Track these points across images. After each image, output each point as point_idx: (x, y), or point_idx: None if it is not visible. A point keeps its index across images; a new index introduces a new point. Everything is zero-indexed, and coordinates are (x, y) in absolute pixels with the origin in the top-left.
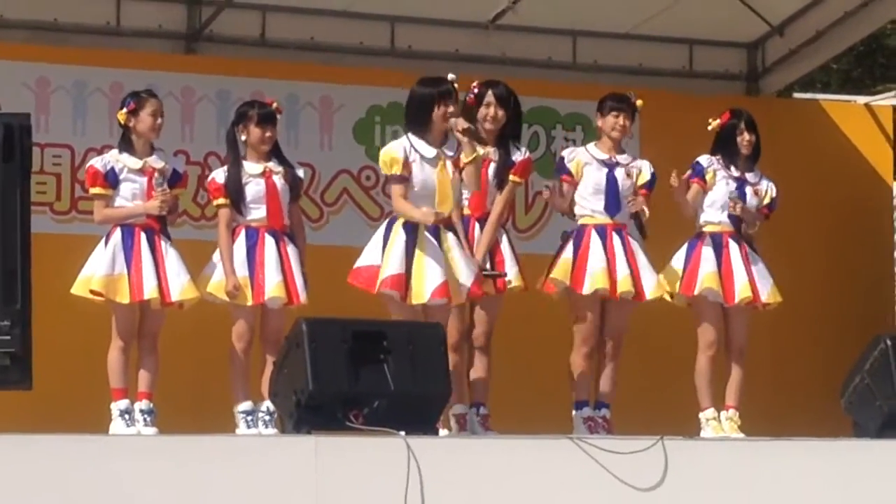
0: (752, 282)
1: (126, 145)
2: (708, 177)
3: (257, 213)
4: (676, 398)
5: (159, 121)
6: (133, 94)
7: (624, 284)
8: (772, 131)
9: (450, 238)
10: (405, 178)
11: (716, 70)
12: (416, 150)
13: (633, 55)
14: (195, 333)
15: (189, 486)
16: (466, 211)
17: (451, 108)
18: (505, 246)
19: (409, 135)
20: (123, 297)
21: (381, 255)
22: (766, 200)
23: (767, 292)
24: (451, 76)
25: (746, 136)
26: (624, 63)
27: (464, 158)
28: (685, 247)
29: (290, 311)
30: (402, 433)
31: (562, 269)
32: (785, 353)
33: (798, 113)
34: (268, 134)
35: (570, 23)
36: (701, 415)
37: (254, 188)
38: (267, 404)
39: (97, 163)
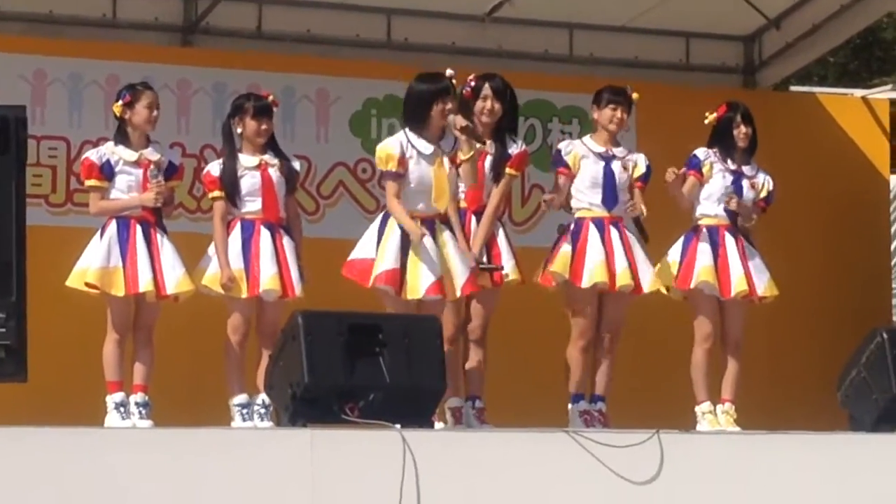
0: (748, 275)
1: (122, 137)
2: (704, 169)
3: (252, 205)
4: (672, 391)
5: (155, 113)
6: (129, 87)
7: (623, 278)
8: (768, 124)
9: (445, 233)
10: (400, 175)
11: (712, 63)
12: (413, 147)
13: (630, 48)
14: (191, 326)
15: (184, 479)
16: (463, 204)
17: (449, 105)
18: (501, 239)
19: (407, 130)
20: (119, 290)
21: (375, 248)
22: (763, 194)
23: (764, 286)
24: (449, 72)
25: (743, 128)
26: (620, 56)
27: (461, 156)
28: (681, 240)
29: (287, 303)
30: (398, 426)
31: (561, 263)
32: (781, 346)
33: (795, 106)
34: (263, 126)
35: (567, 15)
36: (697, 408)
37: (249, 181)
38: (262, 397)
39: (93, 155)
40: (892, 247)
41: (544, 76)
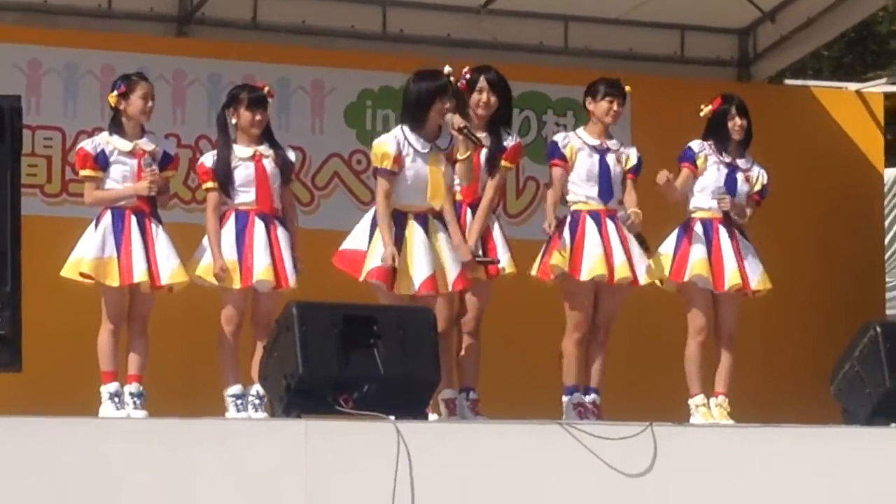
0: (741, 269)
1: (116, 128)
2: (699, 162)
3: (246, 196)
4: (666, 384)
5: (150, 104)
6: (124, 77)
7: (622, 270)
8: (763, 118)
9: (437, 227)
10: (393, 173)
11: (707, 56)
12: (409, 144)
13: (625, 40)
14: (185, 317)
15: (178, 469)
16: (458, 197)
17: (447, 105)
18: (497, 232)
19: (404, 127)
20: (113, 280)
21: (367, 240)
22: (758, 187)
23: (757, 279)
24: (447, 69)
25: (738, 120)
26: (615, 48)
27: (458, 155)
28: (675, 233)
29: (281, 294)
30: (392, 418)
31: (560, 256)
32: (775, 339)
33: (789, 99)
34: (258, 117)
35: (562, 8)
36: (690, 401)
37: (243, 172)
38: (257, 388)
39: (87, 145)
40: (886, 240)
41: (539, 68)
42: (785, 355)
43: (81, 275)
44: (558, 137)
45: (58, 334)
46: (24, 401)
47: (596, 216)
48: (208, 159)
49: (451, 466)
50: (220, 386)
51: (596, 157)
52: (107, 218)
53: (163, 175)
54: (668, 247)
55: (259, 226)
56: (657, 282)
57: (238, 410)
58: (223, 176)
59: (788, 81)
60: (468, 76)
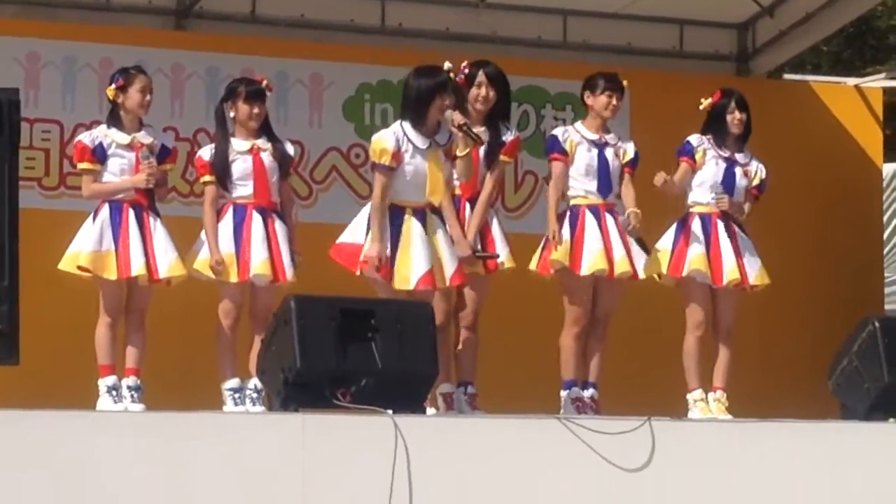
0: (740, 264)
1: (114, 121)
2: (697, 156)
3: (244, 189)
4: (664, 379)
5: (148, 97)
6: (122, 71)
7: (622, 265)
8: (762, 112)
9: (435, 222)
10: (391, 169)
11: (706, 50)
12: (409, 140)
13: (624, 35)
14: (183, 310)
15: (176, 462)
16: (457, 192)
17: (447, 101)
18: (495, 227)
19: (403, 123)
20: (111, 274)
21: (365, 234)
22: (756, 181)
23: (755, 274)
24: (447, 65)
25: (737, 114)
26: (614, 42)
27: (457, 152)
28: (673, 227)
29: (279, 288)
30: (390, 412)
31: (561, 250)
32: (773, 334)
33: (788, 94)
34: (256, 110)
35: (561, 2)
36: (688, 396)
37: (241, 165)
38: (254, 381)
39: (85, 138)
40: (885, 235)
41: (538, 62)
42: (783, 350)
43: (79, 268)
44: (558, 131)
45: (55, 328)
46: (22, 394)
47: (595, 210)
48: (206, 153)
49: (449, 460)
50: (217, 379)
51: (595, 151)
52: (105, 211)
53: (161, 168)
54: (666, 242)
55: (257, 219)
56: (656, 276)
57: (236, 404)
58: (221, 169)
59: (787, 76)
60: (467, 71)
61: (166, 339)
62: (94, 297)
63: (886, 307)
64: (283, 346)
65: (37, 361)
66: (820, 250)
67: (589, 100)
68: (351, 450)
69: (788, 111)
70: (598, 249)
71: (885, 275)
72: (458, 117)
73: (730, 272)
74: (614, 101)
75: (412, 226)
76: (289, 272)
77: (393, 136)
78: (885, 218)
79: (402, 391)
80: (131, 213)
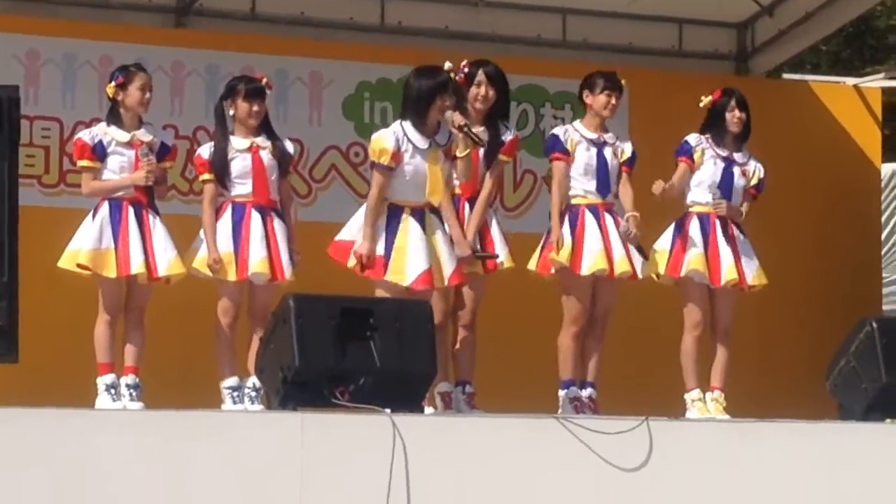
0: (738, 264)
1: (114, 119)
2: (696, 156)
3: (243, 188)
4: (662, 379)
5: (147, 95)
6: (122, 68)
7: (622, 265)
8: (761, 112)
9: (434, 222)
10: (390, 169)
11: (705, 50)
12: (408, 140)
13: (623, 34)
14: (182, 308)
15: (174, 461)
16: (457, 192)
17: (447, 102)
18: (494, 227)
19: (403, 123)
20: (110, 272)
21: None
22: (754, 181)
23: (753, 274)
24: (447, 65)
25: (737, 113)
26: (614, 42)
27: (457, 153)
28: (672, 227)
29: (278, 287)
30: (388, 410)
31: (562, 251)
32: (771, 334)
33: (787, 94)
34: (255, 108)
35: (561, 1)
36: (686, 395)
37: (240, 163)
38: (253, 380)
39: (85, 135)
40: (883, 235)
41: (537, 61)
42: (781, 350)
43: (79, 266)
44: (559, 131)
45: (55, 325)
46: (21, 392)
47: (594, 210)
48: (205, 151)
49: (447, 460)
50: (216, 378)
51: (594, 150)
52: (104, 209)
53: (160, 165)
54: (664, 242)
55: (255, 218)
56: (654, 276)
57: (234, 403)
58: (220, 167)
59: (786, 76)
60: (466, 70)
61: (165, 338)
62: (93, 295)
63: (884, 307)
64: (282, 345)
65: (36, 359)
66: (818, 250)
67: (588, 99)
68: (349, 449)
69: (787, 111)
70: (599, 249)
71: (884, 275)
72: (458, 118)
73: (728, 272)
74: (613, 101)
75: (409, 225)
76: (287, 271)
77: (393, 136)
78: (884, 218)
79: (401, 390)
80: (131, 210)
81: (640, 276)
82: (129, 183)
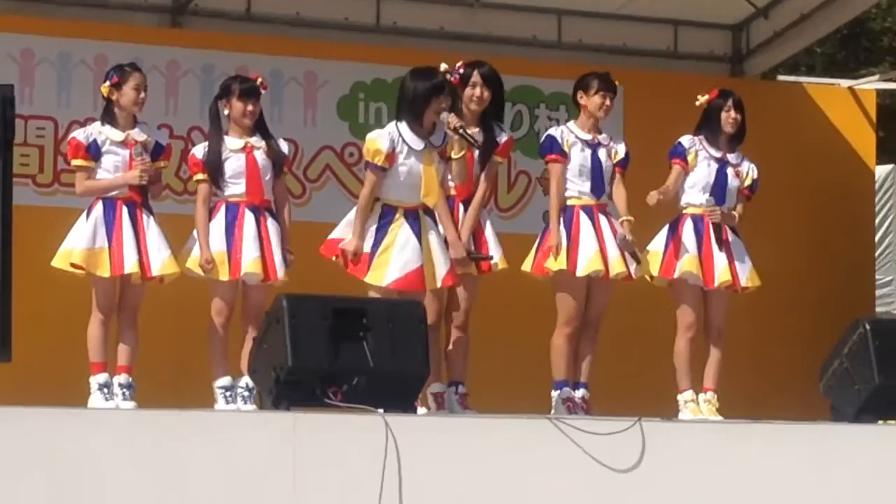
0: (731, 265)
1: (109, 118)
2: (690, 158)
3: (237, 188)
4: (655, 380)
5: (142, 95)
6: (117, 68)
7: (617, 266)
8: (755, 114)
9: (428, 223)
10: (383, 170)
11: (700, 51)
12: (403, 141)
13: (618, 35)
14: (175, 308)
15: (167, 460)
16: (452, 193)
17: (443, 104)
18: (488, 229)
19: (399, 124)
20: (104, 271)
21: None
22: (748, 182)
23: (746, 276)
24: (443, 66)
25: (732, 113)
26: (609, 43)
27: (452, 154)
28: (665, 229)
29: (272, 287)
30: (381, 411)
31: (556, 255)
32: (764, 336)
33: (782, 96)
34: (249, 108)
35: (556, 2)
36: (679, 397)
37: (234, 163)
38: (246, 380)
39: (79, 135)
40: (877, 237)
41: (532, 62)
42: (774, 352)
43: (72, 265)
44: (555, 132)
45: (48, 325)
46: (14, 391)
47: (589, 211)
48: (199, 150)
49: (440, 460)
50: (209, 378)
51: (588, 151)
52: (98, 208)
53: (155, 165)
54: (658, 243)
55: (249, 218)
56: (648, 277)
57: (227, 402)
58: (213, 167)
59: (781, 77)
60: (461, 71)
61: (158, 337)
62: (86, 295)
63: (878, 309)
64: (275, 345)
65: (29, 358)
66: (812, 252)
67: (582, 100)
68: (342, 449)
69: (782, 112)
70: (594, 251)
71: (877, 277)
72: (453, 120)
73: (721, 274)
74: (608, 102)
75: (400, 226)
76: (280, 271)
77: (388, 137)
78: (878, 220)
79: (394, 390)
80: (125, 210)
81: (634, 276)
82: (124, 182)
